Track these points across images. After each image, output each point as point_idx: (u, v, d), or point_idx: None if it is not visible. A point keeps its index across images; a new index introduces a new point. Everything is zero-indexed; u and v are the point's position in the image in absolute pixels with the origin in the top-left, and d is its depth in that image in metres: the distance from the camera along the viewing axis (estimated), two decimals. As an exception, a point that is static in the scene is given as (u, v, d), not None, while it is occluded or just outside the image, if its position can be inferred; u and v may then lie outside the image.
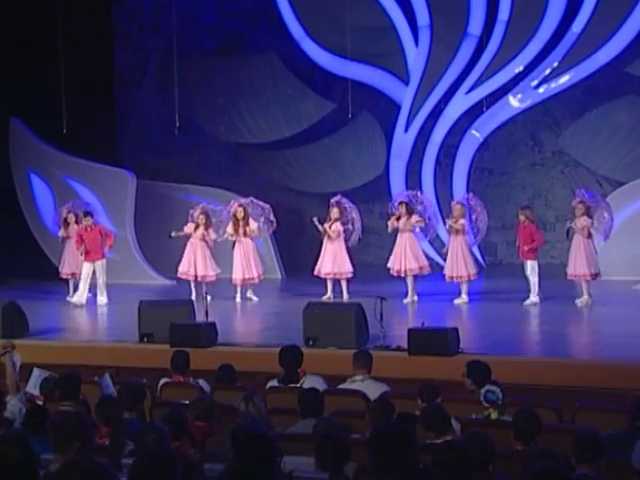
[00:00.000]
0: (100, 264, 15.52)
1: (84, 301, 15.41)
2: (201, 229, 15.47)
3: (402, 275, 14.76)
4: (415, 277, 14.78)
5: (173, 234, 15.77)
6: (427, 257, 15.47)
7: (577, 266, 13.90)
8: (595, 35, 17.31)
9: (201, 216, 15.54)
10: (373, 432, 4.72)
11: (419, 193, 15.74)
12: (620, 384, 9.26)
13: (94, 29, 19.33)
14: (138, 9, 20.65)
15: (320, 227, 15.10)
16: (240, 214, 15.37)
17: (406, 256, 14.70)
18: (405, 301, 14.52)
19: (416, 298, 14.63)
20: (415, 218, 14.85)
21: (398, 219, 14.76)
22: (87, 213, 15.77)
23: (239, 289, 15.39)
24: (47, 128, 18.31)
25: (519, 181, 19.42)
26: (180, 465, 4.36)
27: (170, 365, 8.99)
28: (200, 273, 15.47)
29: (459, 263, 14.40)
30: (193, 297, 14.54)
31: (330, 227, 15.06)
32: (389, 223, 14.87)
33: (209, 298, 15.19)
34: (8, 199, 18.61)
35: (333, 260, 15.05)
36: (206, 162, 20.50)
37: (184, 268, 15.56)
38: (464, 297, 14.40)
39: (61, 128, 17.74)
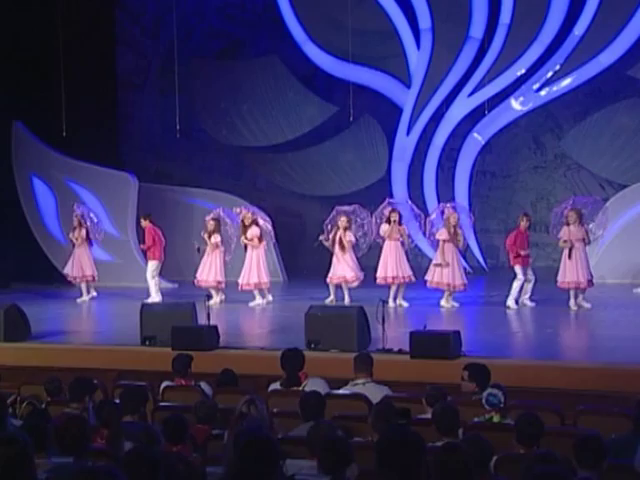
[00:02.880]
0: (150, 264, 15.88)
1: (157, 298, 15.53)
2: (213, 236, 15.48)
3: (398, 282, 14.69)
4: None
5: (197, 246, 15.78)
6: (429, 260, 15.37)
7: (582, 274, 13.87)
8: (597, 38, 17.32)
9: (211, 222, 15.54)
10: (383, 437, 4.69)
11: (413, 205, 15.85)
12: (623, 387, 9.25)
13: (96, 32, 19.34)
14: (140, 12, 20.67)
15: (326, 243, 15.03)
16: (247, 221, 15.40)
17: (401, 264, 14.67)
18: (393, 305, 14.50)
19: (406, 304, 14.65)
20: (404, 228, 14.84)
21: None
22: (146, 215, 16.18)
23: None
24: (49, 131, 18.32)
25: (521, 184, 19.42)
26: (163, 466, 4.41)
27: (172, 367, 8.99)
28: (211, 279, 15.51)
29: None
30: (211, 302, 14.38)
31: (345, 237, 14.97)
32: (384, 228, 14.74)
33: (222, 299, 15.36)
34: (10, 202, 18.61)
35: (348, 266, 14.98)
36: (208, 165, 20.51)
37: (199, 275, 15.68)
38: (451, 302, 14.43)
39: (62, 131, 17.75)
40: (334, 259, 15.06)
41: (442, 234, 14.37)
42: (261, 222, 15.55)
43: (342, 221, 14.98)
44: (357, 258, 15.18)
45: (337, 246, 14.97)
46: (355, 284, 15.02)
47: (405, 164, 18.90)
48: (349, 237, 14.96)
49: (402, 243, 14.82)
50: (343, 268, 14.96)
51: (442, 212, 14.70)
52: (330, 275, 15.05)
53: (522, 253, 14.07)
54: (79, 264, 16.41)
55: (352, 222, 15.06)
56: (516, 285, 14.08)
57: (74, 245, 16.51)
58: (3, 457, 4.06)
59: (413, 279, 14.75)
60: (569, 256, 13.82)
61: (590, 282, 13.91)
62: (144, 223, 16.05)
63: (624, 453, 5.80)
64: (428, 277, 14.45)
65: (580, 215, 13.92)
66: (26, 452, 4.12)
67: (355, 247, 15.13)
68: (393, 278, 14.65)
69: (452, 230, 14.30)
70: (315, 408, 6.90)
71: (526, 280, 14.14)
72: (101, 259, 17.46)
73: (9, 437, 4.23)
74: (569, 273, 13.81)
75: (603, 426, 6.68)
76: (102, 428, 6.48)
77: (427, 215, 15.50)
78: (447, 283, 14.27)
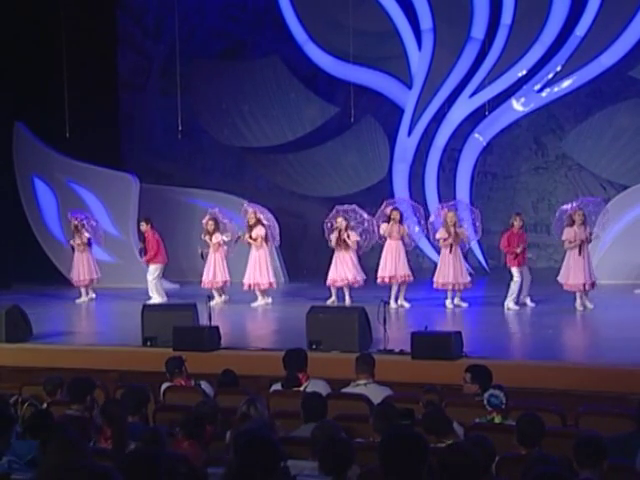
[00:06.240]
0: (151, 267, 15.93)
1: (158, 299, 15.65)
2: (213, 236, 15.48)
3: (395, 281, 14.68)
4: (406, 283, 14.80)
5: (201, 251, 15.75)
6: (430, 260, 15.39)
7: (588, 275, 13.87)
8: (598, 39, 17.31)
9: (210, 222, 15.55)
10: (387, 437, 4.68)
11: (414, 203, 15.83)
12: (624, 388, 9.25)
13: (97, 32, 19.35)
14: (142, 13, 20.68)
15: (334, 242, 14.91)
16: (252, 220, 15.41)
17: (399, 263, 14.67)
18: (395, 305, 14.48)
19: (407, 305, 14.65)
20: (405, 227, 14.82)
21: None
22: (147, 219, 16.22)
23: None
24: (51, 132, 18.34)
25: (523, 185, 19.43)
26: (164, 465, 4.42)
27: (165, 368, 9.01)
28: (217, 279, 15.55)
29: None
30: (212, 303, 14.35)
31: (348, 237, 14.91)
32: (384, 227, 14.73)
33: (227, 299, 15.37)
34: (12, 203, 18.62)
35: (348, 268, 14.94)
36: (209, 166, 20.52)
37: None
38: (460, 302, 14.46)
39: (64, 132, 17.77)
40: (336, 260, 15.02)
41: (441, 233, 14.40)
42: (265, 221, 15.56)
43: (339, 222, 14.95)
44: (359, 258, 15.16)
45: (340, 247, 14.93)
46: (356, 285, 15.00)
47: (406, 165, 18.90)
48: (353, 237, 14.92)
49: (403, 242, 14.81)
50: (345, 270, 14.92)
51: (440, 214, 14.74)
52: (333, 277, 14.98)
53: (517, 251, 14.06)
54: (84, 269, 16.47)
55: (350, 221, 15.02)
56: (514, 287, 14.06)
57: (74, 250, 16.56)
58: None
59: (411, 278, 14.74)
60: (579, 252, 13.76)
61: (593, 284, 13.91)
62: (144, 227, 16.05)
63: (625, 453, 5.79)
64: (435, 278, 14.50)
65: (584, 215, 13.93)
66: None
67: (358, 247, 15.10)
68: (390, 277, 14.64)
69: (452, 230, 14.30)
70: (317, 409, 6.90)
71: (523, 280, 14.12)
72: (102, 260, 17.47)
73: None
74: (576, 275, 13.79)
75: (604, 427, 6.68)
76: (106, 427, 6.48)
77: (426, 210, 15.48)
78: (452, 283, 14.29)
